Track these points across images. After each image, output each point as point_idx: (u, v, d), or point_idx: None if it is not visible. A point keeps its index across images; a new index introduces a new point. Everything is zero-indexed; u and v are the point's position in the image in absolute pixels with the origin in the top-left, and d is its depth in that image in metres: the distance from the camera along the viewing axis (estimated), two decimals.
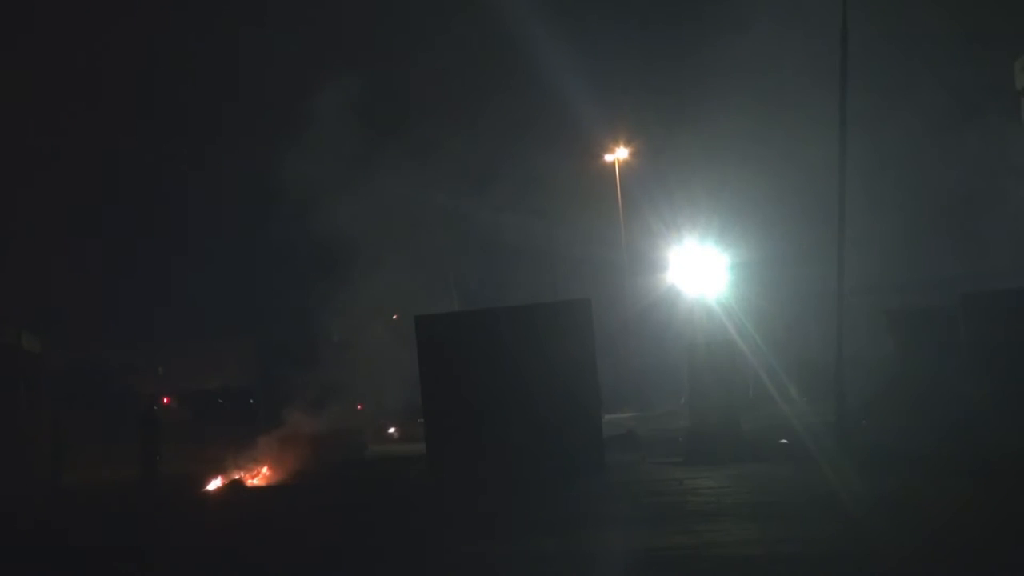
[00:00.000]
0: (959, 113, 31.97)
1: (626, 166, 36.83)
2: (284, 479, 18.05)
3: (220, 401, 34.56)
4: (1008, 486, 10.82)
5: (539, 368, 14.49)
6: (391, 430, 27.31)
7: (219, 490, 16.99)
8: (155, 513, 13.87)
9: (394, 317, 29.93)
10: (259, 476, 18.83)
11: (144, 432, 17.50)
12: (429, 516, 11.75)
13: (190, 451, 21.75)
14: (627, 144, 36.61)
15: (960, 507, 9.78)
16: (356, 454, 21.13)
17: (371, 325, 24.52)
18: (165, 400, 26.93)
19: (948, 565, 7.58)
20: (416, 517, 11.73)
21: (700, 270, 32.57)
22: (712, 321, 30.05)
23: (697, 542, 8.82)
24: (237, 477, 18.16)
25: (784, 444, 16.21)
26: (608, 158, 36.82)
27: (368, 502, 13.37)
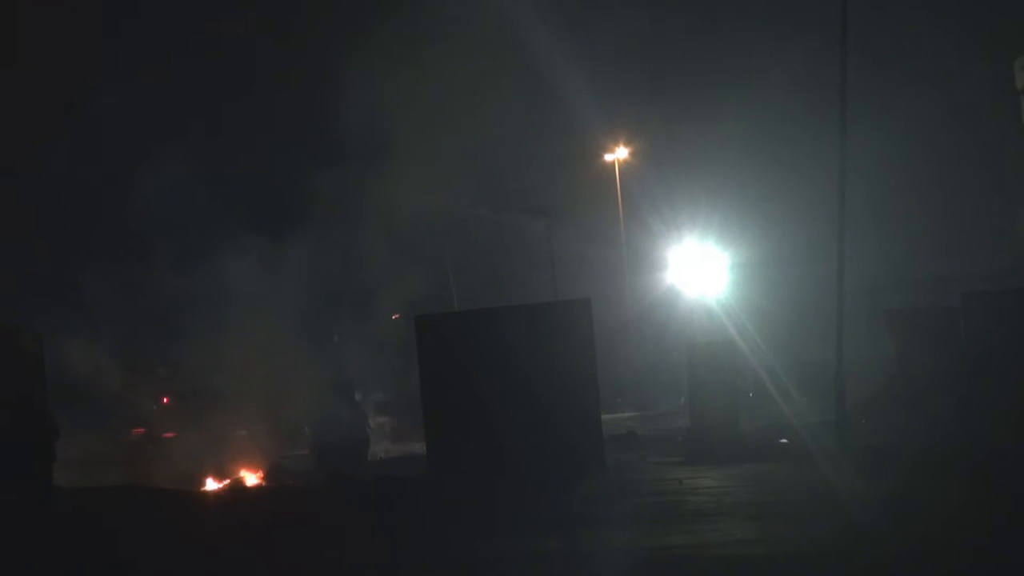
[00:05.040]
0: (959, 113, 31.99)
1: (626, 166, 36.85)
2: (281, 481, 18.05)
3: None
4: (1007, 485, 10.81)
5: (539, 368, 14.47)
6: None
7: (219, 490, 16.99)
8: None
9: (394, 317, 29.94)
10: (258, 476, 18.83)
11: None
12: (429, 516, 11.74)
13: (190, 450, 21.72)
14: (627, 144, 36.63)
15: (960, 506, 9.78)
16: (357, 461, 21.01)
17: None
18: (165, 400, 26.85)
19: (948, 564, 7.58)
20: (416, 517, 11.71)
21: (700, 270, 32.59)
22: (712, 321, 30.07)
23: (697, 542, 8.81)
24: (237, 477, 18.17)
25: (784, 444, 16.23)
26: (608, 158, 36.82)
27: (368, 502, 13.35)
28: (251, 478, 18.97)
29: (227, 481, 18.53)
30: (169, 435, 22.09)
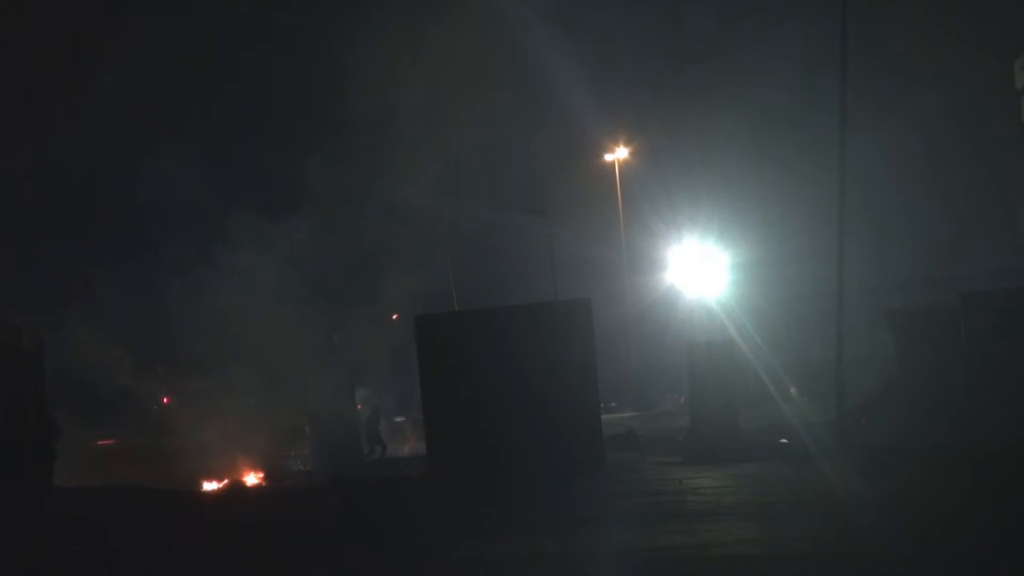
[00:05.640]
0: (959, 113, 31.98)
1: (626, 166, 36.85)
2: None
3: None
4: (1007, 485, 10.81)
5: (539, 368, 14.47)
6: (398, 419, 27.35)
7: (219, 490, 16.99)
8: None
9: (394, 317, 29.93)
10: (258, 476, 18.83)
11: None
12: (429, 516, 11.74)
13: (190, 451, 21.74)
14: (627, 144, 36.63)
15: (960, 506, 9.78)
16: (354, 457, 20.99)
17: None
18: (165, 400, 26.88)
19: (948, 564, 7.57)
20: (416, 517, 11.71)
21: (700, 270, 32.58)
22: (712, 321, 30.07)
23: (697, 542, 8.81)
24: (237, 477, 18.17)
25: (784, 444, 16.22)
26: (608, 158, 36.82)
27: (368, 502, 13.36)
28: (251, 478, 18.98)
29: (226, 481, 18.53)
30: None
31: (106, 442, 26.81)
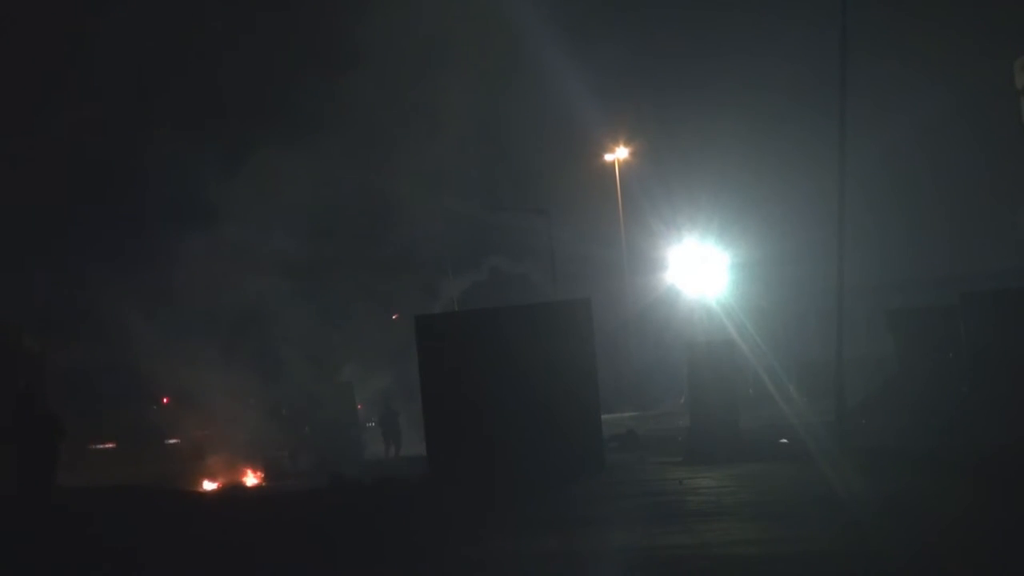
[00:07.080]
0: (959, 113, 31.98)
1: (626, 166, 36.85)
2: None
3: None
4: (1007, 485, 10.81)
5: (539, 368, 14.47)
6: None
7: (218, 490, 16.99)
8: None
9: (394, 317, 29.95)
10: (258, 476, 18.84)
11: None
12: (429, 516, 11.75)
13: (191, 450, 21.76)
14: (627, 144, 36.63)
15: (960, 507, 9.78)
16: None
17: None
18: (165, 400, 26.90)
19: (948, 564, 7.58)
20: (416, 517, 11.72)
21: (700, 270, 32.58)
22: (712, 321, 30.07)
23: (697, 542, 8.82)
24: (237, 477, 18.17)
25: (784, 444, 16.23)
26: (608, 158, 36.83)
27: (367, 502, 13.37)
28: (251, 478, 18.99)
29: (226, 482, 18.54)
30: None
31: (107, 445, 26.83)
